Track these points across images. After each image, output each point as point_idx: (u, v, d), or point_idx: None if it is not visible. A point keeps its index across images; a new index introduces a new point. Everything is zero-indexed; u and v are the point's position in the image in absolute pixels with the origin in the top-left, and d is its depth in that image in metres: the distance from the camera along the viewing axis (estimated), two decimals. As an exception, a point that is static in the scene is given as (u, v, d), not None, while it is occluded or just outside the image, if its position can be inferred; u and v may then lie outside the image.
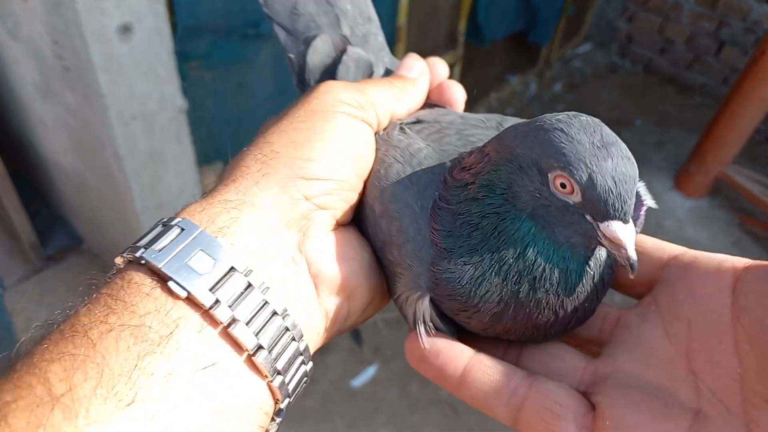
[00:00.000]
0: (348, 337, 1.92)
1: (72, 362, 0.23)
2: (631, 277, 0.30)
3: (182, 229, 0.28)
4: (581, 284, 0.31)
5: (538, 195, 0.30)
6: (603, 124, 0.30)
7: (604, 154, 0.29)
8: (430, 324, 0.33)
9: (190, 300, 0.26)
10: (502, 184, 0.31)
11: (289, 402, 0.30)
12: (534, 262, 0.30)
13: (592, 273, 0.32)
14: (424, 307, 0.33)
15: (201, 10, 1.33)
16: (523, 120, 0.34)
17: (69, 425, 0.22)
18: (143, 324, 0.25)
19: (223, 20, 1.38)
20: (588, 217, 0.29)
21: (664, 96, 3.10)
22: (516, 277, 0.31)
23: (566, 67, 3.20)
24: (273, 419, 0.30)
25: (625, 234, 0.29)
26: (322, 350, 1.86)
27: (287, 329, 0.29)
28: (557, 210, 0.30)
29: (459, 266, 0.31)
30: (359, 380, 1.82)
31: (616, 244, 0.29)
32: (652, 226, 2.40)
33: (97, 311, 0.25)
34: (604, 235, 0.29)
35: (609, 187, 0.28)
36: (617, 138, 0.30)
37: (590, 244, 0.30)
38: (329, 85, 0.36)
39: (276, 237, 0.30)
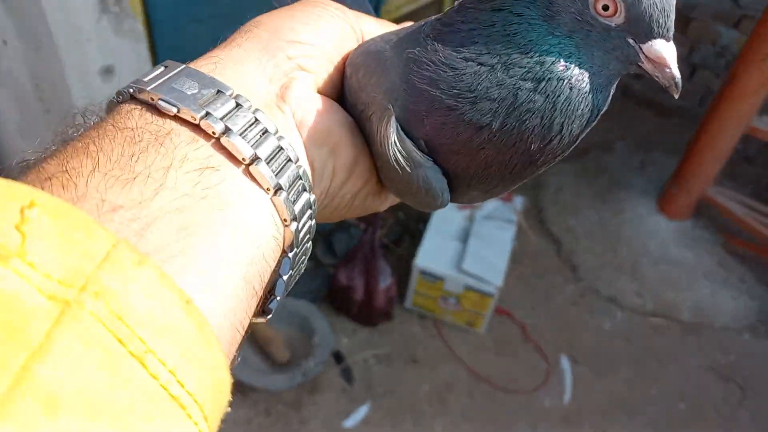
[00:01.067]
0: (339, 375, 1.88)
1: (65, 155, 0.23)
2: (676, 96, 0.30)
3: (166, 67, 0.28)
4: (583, 115, 0.30)
5: (579, 18, 0.28)
6: None
7: None
8: (400, 148, 0.32)
9: (180, 117, 0.26)
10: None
11: (297, 227, 0.28)
12: (554, 70, 0.29)
13: (598, 107, 0.30)
14: (391, 125, 0.31)
15: (183, 51, 1.33)
16: None
17: (67, 193, 0.21)
18: (136, 132, 0.25)
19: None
20: (630, 40, 0.29)
21: (643, 119, 3.16)
22: (525, 79, 0.29)
23: (546, 94, 3.25)
24: (289, 251, 0.29)
25: (670, 52, 0.29)
26: (312, 390, 1.83)
27: (282, 149, 0.28)
28: (598, 35, 0.29)
29: (454, 57, 0.30)
30: (351, 421, 1.78)
31: (660, 64, 0.29)
32: (636, 247, 2.41)
33: (90, 132, 0.25)
34: (647, 56, 0.29)
35: (653, 2, 0.28)
36: None
37: (627, 70, 0.30)
38: None
39: (260, 84, 0.30)
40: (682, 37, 2.97)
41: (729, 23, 2.81)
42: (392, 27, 0.38)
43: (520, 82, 0.29)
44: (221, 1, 1.35)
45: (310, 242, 0.32)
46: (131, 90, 0.27)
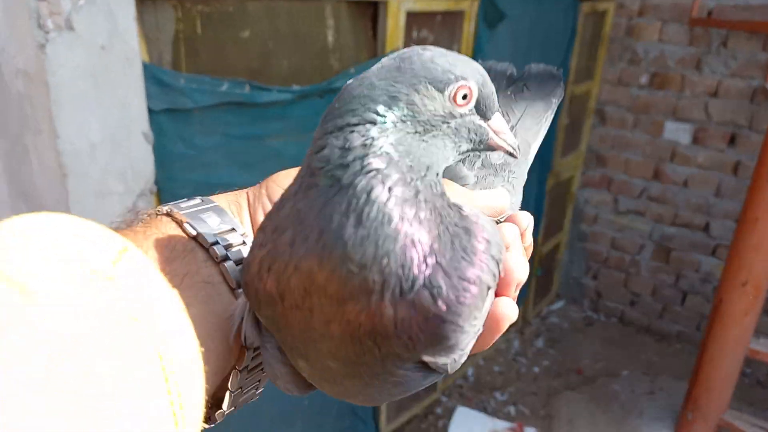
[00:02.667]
0: None
1: (132, 234, 0.35)
2: (517, 157, 0.34)
3: (202, 200, 0.39)
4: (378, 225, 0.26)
5: (437, 114, 0.29)
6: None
7: (466, 60, 0.31)
8: (245, 329, 0.34)
9: (197, 239, 0.36)
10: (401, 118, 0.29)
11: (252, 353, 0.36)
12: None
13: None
14: (238, 303, 0.34)
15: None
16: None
17: (133, 245, 0.29)
18: (171, 239, 0.35)
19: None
20: (478, 121, 0.31)
21: (645, 345, 3.17)
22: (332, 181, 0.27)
23: (544, 323, 3.32)
24: (239, 367, 0.36)
25: (504, 122, 0.33)
26: None
27: None
28: (454, 123, 0.30)
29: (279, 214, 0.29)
30: None
31: (501, 133, 0.32)
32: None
33: (143, 226, 0.36)
34: (494, 130, 0.32)
35: (490, 83, 0.31)
36: None
37: (477, 149, 0.32)
38: None
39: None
40: (666, 266, 3.16)
41: (706, 252, 3.01)
42: None
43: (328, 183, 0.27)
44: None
45: (260, 383, 0.38)
46: (166, 209, 0.38)
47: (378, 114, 0.28)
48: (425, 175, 0.28)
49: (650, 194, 3.09)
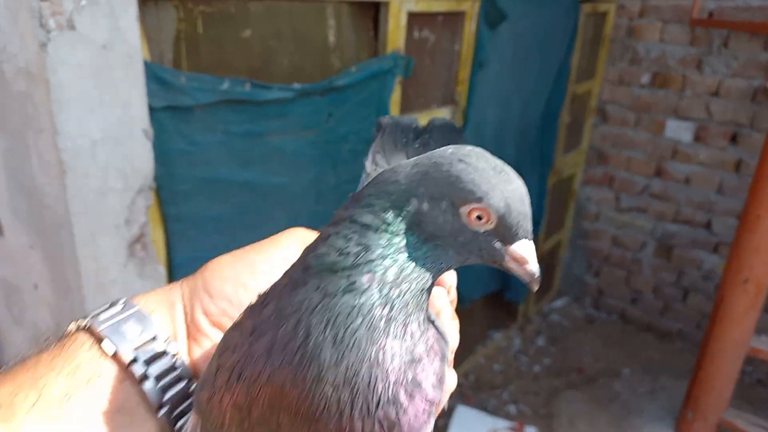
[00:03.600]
0: None
1: (15, 387, 0.31)
2: (534, 289, 0.31)
3: (124, 305, 0.36)
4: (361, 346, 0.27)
5: (446, 227, 0.29)
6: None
7: (506, 179, 0.29)
8: None
9: (116, 357, 0.33)
10: (400, 222, 0.29)
11: None
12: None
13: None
14: (187, 426, 0.32)
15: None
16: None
17: (6, 427, 0.28)
18: (77, 368, 0.32)
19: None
20: (497, 244, 0.30)
21: (646, 343, 3.17)
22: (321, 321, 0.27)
23: (545, 320, 3.32)
24: None
25: (530, 250, 0.30)
26: None
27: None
28: (464, 238, 0.29)
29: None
30: None
31: (521, 262, 0.30)
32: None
33: (44, 356, 0.33)
34: (512, 256, 0.30)
35: (520, 210, 0.29)
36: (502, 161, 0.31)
37: (486, 264, 0.31)
38: None
39: (182, 330, 0.37)
40: (667, 263, 3.15)
41: (708, 249, 3.01)
42: None
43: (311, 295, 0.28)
44: (242, 242, 1.50)
45: None
46: (86, 323, 0.34)
47: (385, 222, 0.29)
48: (406, 293, 0.28)
49: (652, 192, 3.08)
